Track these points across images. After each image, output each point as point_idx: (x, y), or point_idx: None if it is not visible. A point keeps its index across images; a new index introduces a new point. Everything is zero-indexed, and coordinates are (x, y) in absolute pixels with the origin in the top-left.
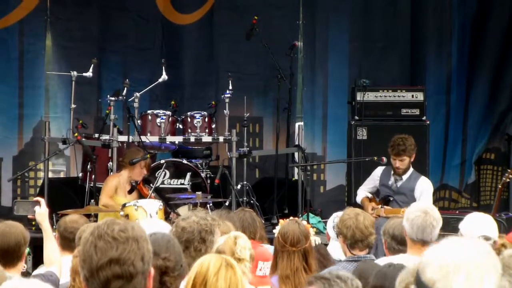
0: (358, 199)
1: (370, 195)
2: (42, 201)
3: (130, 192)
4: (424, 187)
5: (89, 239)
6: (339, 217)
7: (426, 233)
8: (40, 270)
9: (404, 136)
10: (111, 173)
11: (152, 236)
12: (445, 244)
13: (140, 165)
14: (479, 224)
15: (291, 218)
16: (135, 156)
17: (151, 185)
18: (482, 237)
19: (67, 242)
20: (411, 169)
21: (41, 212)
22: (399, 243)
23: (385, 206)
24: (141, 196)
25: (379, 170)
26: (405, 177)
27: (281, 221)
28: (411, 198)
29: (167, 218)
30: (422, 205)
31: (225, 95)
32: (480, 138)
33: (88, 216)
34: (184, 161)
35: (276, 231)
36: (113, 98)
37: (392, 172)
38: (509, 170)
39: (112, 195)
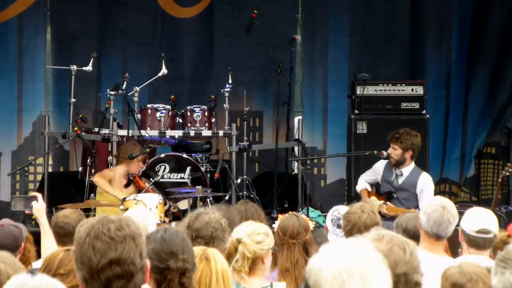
0: (358, 188)
1: (369, 188)
2: (39, 196)
3: (126, 186)
4: (424, 185)
5: (86, 240)
6: (348, 208)
7: (441, 228)
8: (38, 264)
9: (407, 130)
10: (111, 167)
11: (166, 233)
12: (330, 251)
13: (137, 159)
14: (479, 219)
15: (289, 212)
16: (132, 150)
17: (151, 179)
18: (482, 230)
19: (58, 237)
20: (413, 165)
21: (38, 207)
22: (411, 237)
23: (388, 203)
24: (138, 189)
25: (381, 164)
26: (406, 173)
27: (279, 216)
28: (412, 195)
29: (167, 211)
30: (441, 200)
31: (225, 89)
32: (480, 132)
33: (87, 210)
34: (184, 155)
35: (275, 225)
36: (112, 92)
37: (393, 168)
38: (509, 164)
39: (105, 177)
